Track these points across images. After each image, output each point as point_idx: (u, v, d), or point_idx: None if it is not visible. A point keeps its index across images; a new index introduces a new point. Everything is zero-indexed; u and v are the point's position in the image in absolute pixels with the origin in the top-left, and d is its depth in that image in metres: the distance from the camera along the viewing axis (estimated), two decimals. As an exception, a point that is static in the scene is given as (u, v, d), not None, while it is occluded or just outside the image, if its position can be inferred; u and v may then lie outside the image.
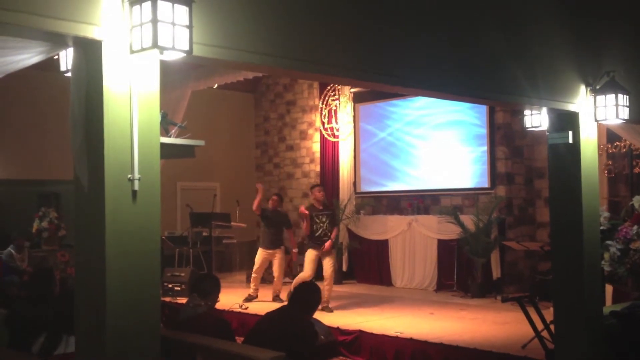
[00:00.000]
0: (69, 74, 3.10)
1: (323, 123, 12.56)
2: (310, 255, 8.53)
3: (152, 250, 2.93)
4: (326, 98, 12.50)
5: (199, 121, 11.09)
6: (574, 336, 5.18)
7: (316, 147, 13.02)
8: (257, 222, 14.09)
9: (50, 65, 4.03)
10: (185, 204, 11.88)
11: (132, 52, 2.84)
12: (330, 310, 8.34)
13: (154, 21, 2.75)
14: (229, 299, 8.54)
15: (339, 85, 11.95)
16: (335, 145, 12.40)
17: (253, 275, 9.34)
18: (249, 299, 9.08)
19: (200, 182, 13.20)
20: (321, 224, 8.57)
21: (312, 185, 9.40)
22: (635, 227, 5.95)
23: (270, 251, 9.26)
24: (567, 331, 5.23)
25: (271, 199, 9.61)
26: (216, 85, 9.38)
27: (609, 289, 6.56)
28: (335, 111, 12.34)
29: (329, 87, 12.40)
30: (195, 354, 4.32)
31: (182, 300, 8.34)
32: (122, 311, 2.81)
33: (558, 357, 5.29)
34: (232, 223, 11.55)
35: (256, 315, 7.51)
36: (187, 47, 2.83)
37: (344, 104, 12.19)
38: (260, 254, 9.32)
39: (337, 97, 12.31)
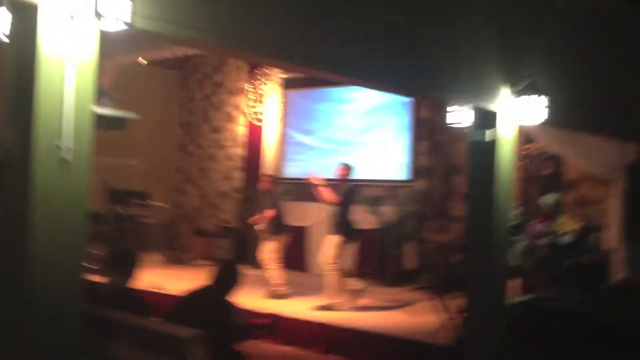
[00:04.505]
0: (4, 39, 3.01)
1: (249, 107, 12.50)
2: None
3: (80, 217, 2.93)
4: (254, 82, 12.44)
5: (123, 96, 10.80)
6: (482, 324, 5.44)
7: (241, 130, 12.95)
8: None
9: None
10: (103, 178, 11.53)
11: (70, 18, 2.79)
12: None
13: (95, -12, 2.71)
14: (146, 279, 8.39)
15: (268, 69, 11.90)
16: (260, 130, 12.39)
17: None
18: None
19: (120, 159, 12.85)
20: None
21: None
22: (539, 226, 6.31)
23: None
24: (476, 319, 5.48)
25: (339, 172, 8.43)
26: (146, 62, 9.15)
27: (518, 281, 6.89)
28: (262, 95, 12.31)
29: (257, 71, 12.32)
30: (114, 330, 4.27)
31: (99, 278, 8.14)
32: (45, 279, 2.77)
33: (467, 344, 5.55)
34: (152, 202, 11.35)
35: (172, 295, 7.45)
36: (127, 19, 2.81)
37: (272, 89, 12.17)
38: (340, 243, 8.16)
39: (265, 81, 12.27)
